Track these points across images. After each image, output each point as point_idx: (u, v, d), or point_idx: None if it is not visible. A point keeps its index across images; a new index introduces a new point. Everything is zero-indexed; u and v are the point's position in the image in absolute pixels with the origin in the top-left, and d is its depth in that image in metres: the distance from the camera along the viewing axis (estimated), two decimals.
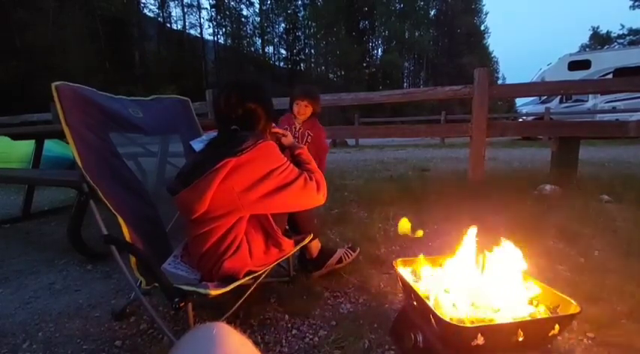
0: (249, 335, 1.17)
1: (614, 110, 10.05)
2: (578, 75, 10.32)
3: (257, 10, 36.36)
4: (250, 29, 36.53)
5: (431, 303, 0.88)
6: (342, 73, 37.32)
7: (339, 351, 1.07)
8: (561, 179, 2.93)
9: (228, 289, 1.00)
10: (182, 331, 1.18)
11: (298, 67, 38.72)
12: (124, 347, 1.14)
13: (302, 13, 37.44)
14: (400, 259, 1.10)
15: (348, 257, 1.60)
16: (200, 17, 33.38)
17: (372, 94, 3.65)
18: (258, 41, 37.06)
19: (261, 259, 1.14)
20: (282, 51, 39.03)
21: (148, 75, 24.56)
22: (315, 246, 1.56)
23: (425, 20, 40.74)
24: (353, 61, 35.47)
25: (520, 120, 11.82)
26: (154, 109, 1.60)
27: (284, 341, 1.14)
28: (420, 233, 1.81)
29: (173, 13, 32.74)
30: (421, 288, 0.98)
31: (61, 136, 2.07)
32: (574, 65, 10.98)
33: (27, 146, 3.72)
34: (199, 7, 33.26)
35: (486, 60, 42.54)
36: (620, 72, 10.01)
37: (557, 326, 0.80)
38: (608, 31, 39.61)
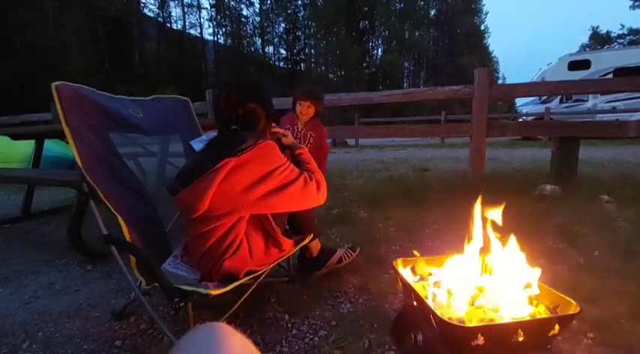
0: (249, 335, 1.17)
1: (614, 110, 10.05)
2: (578, 75, 10.31)
3: (257, 10, 36.41)
4: (250, 29, 36.56)
5: (431, 303, 0.88)
6: (342, 73, 37.32)
7: (339, 351, 1.07)
8: (561, 179, 2.93)
9: (228, 289, 1.00)
10: (182, 331, 1.18)
11: (298, 67, 38.72)
12: (123, 347, 1.14)
13: (302, 13, 37.46)
14: (400, 259, 1.10)
15: (348, 257, 1.60)
16: (200, 17, 33.43)
17: (372, 94, 3.65)
18: (258, 41, 37.11)
19: (261, 259, 1.14)
20: (282, 51, 39.10)
21: (148, 75, 24.55)
22: (315, 246, 1.55)
23: (425, 20, 40.74)
24: (353, 61, 35.47)
25: (520, 120, 11.81)
26: (154, 109, 1.60)
27: (284, 341, 1.14)
28: None
29: (173, 13, 32.79)
30: (421, 288, 0.98)
31: (61, 136, 2.07)
32: (574, 65, 10.98)
33: (27, 146, 3.71)
34: (199, 7, 33.30)
35: (486, 60, 42.56)
36: (620, 72, 10.00)
37: (557, 326, 0.80)
38: (608, 31, 39.67)
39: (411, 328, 0.96)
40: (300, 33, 38.25)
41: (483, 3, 44.43)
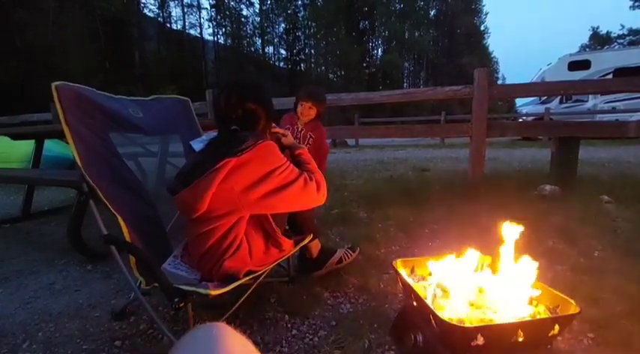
0: (249, 335, 1.17)
1: (614, 110, 10.05)
2: (578, 75, 10.32)
3: (257, 10, 36.40)
4: (250, 29, 36.54)
5: (431, 303, 0.88)
6: (342, 73, 37.31)
7: (339, 351, 1.07)
8: (561, 179, 2.93)
9: (228, 289, 1.00)
10: (182, 331, 1.18)
11: (298, 67, 38.71)
12: (123, 347, 1.14)
13: (302, 13, 37.44)
14: (400, 260, 1.10)
15: (348, 257, 1.60)
16: (200, 17, 33.39)
17: (372, 94, 3.65)
18: (258, 41, 37.08)
19: (261, 259, 1.14)
20: (282, 51, 39.06)
21: (148, 75, 24.54)
22: (315, 246, 1.55)
23: (425, 20, 40.74)
24: (353, 61, 35.45)
25: (520, 120, 11.82)
26: (154, 109, 1.60)
27: (284, 341, 1.14)
28: None
29: (173, 13, 32.76)
30: (421, 288, 0.98)
31: (61, 136, 2.06)
32: (574, 65, 10.98)
33: (27, 146, 3.71)
34: (199, 7, 33.27)
35: (486, 60, 42.56)
36: (620, 72, 10.00)
37: (557, 326, 0.80)
38: (608, 32, 39.66)
39: (411, 328, 0.96)
40: (300, 33, 38.24)
41: (483, 3, 44.51)
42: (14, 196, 3.77)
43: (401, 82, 40.26)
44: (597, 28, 41.60)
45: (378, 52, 41.58)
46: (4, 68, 16.22)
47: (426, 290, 0.97)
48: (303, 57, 39.10)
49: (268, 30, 37.37)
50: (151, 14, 30.45)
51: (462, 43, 41.54)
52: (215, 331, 0.38)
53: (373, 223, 2.32)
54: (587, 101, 10.77)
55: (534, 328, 0.81)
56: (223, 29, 34.53)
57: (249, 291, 1.21)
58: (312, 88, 1.91)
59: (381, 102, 3.63)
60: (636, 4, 30.50)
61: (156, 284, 1.01)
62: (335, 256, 1.58)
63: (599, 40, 38.89)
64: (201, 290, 0.96)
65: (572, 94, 9.49)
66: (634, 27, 35.13)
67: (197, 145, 1.14)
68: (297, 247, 1.31)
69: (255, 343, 1.15)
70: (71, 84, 1.22)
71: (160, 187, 1.55)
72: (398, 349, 1.05)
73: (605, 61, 10.55)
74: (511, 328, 0.79)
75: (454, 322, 0.79)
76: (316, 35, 36.91)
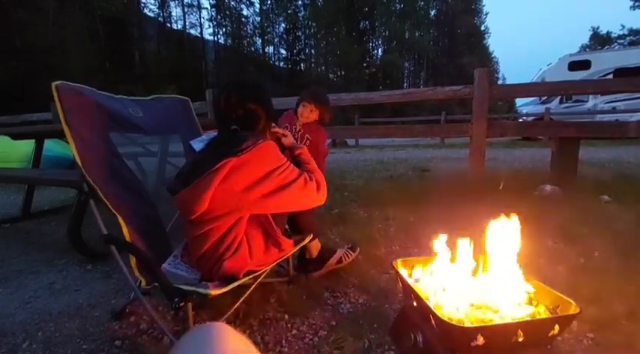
0: (249, 335, 1.17)
1: (614, 110, 10.05)
2: (579, 75, 10.32)
3: (257, 10, 36.43)
4: (250, 29, 36.57)
5: (431, 303, 0.88)
6: (342, 73, 37.32)
7: (339, 351, 1.07)
8: (561, 179, 2.93)
9: (228, 289, 1.00)
10: (182, 331, 1.18)
11: (298, 67, 38.72)
12: (123, 347, 1.14)
13: (302, 13, 37.47)
14: (400, 259, 1.10)
15: (348, 257, 1.60)
16: (200, 17, 33.43)
17: (372, 94, 3.65)
18: (259, 41, 37.11)
19: (261, 259, 1.14)
20: (282, 51, 39.10)
21: (148, 75, 24.55)
22: (315, 246, 1.56)
23: (425, 20, 40.78)
24: (353, 61, 35.47)
25: (520, 120, 11.82)
26: (154, 109, 1.59)
27: (284, 341, 1.14)
28: None
29: (173, 13, 32.80)
30: (421, 288, 0.98)
31: (61, 135, 2.07)
32: (574, 65, 10.98)
33: (27, 146, 3.71)
34: (199, 7, 33.31)
35: (486, 60, 42.57)
36: (620, 72, 10.00)
37: (557, 326, 0.80)
38: (608, 32, 39.62)
39: (411, 328, 0.96)
40: (300, 33, 38.26)
41: (483, 3, 44.59)
42: (14, 195, 3.77)
43: (401, 82, 40.28)
44: (597, 28, 41.64)
45: (378, 52, 41.66)
46: (4, 68, 16.24)
47: (426, 290, 0.96)
48: (303, 57, 39.14)
49: (268, 30, 37.40)
50: (151, 14, 30.52)
51: (462, 43, 41.56)
52: (215, 331, 0.38)
53: (373, 223, 2.31)
54: (587, 101, 10.77)
55: (534, 328, 0.81)
56: (223, 29, 34.58)
57: (249, 291, 1.21)
58: (314, 89, 1.87)
59: (381, 102, 3.64)
60: (636, 4, 30.53)
61: (156, 284, 1.01)
62: (335, 256, 1.58)
63: (600, 41, 38.88)
64: (201, 290, 0.96)
65: (573, 94, 9.50)
66: (634, 27, 35.16)
67: (197, 144, 1.14)
68: (297, 247, 1.31)
69: (255, 343, 1.15)
70: (71, 84, 1.22)
71: (159, 187, 1.55)
72: (398, 349, 1.05)
73: (605, 62, 10.56)
74: (511, 329, 0.79)
75: (454, 322, 0.79)
76: (316, 35, 36.93)
